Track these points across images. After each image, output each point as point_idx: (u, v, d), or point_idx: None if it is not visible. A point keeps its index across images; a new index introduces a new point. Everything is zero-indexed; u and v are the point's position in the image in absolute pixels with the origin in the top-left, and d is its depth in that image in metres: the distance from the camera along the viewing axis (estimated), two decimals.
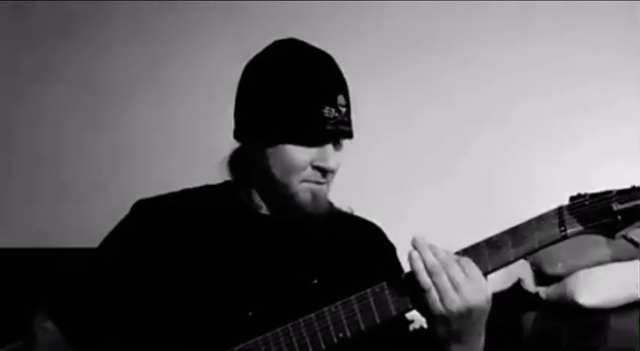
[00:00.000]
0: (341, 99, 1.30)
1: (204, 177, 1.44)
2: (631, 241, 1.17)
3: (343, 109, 1.30)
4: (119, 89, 3.05)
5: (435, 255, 1.17)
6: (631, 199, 1.13)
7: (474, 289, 1.16)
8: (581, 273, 2.39)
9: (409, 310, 1.23)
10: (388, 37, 2.84)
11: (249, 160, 1.35)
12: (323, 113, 1.28)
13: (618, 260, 2.41)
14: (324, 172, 1.31)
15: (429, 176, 2.78)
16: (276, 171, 1.31)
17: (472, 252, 1.19)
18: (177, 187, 1.44)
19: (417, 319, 1.28)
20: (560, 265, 2.43)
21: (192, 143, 2.91)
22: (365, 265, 1.36)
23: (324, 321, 1.22)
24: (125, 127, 3.03)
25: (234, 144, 1.40)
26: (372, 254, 1.41)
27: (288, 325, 1.23)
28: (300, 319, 1.22)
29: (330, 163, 1.30)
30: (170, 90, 3.01)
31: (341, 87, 1.33)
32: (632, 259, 2.39)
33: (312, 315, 1.22)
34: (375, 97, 2.72)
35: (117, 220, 1.40)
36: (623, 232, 1.14)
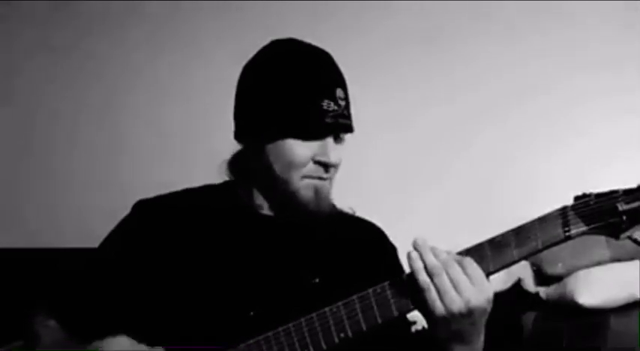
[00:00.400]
0: (340, 92, 1.30)
1: (204, 177, 1.43)
2: (636, 241, 1.16)
3: (342, 103, 1.30)
4: (118, 88, 3.04)
5: (436, 256, 1.17)
6: (637, 199, 1.12)
7: (476, 289, 1.15)
8: (581, 273, 2.39)
9: (410, 310, 1.22)
10: (388, 37, 2.84)
11: (250, 159, 1.35)
12: (322, 106, 1.27)
13: (618, 260, 2.41)
14: (326, 166, 1.30)
15: (429, 176, 2.78)
16: (277, 167, 1.31)
17: (475, 252, 1.19)
18: (176, 187, 1.44)
19: (419, 320, 1.28)
20: (560, 265, 2.43)
21: (191, 143, 2.91)
22: (366, 265, 1.36)
23: (325, 321, 1.21)
24: (125, 126, 3.02)
25: (233, 144, 1.40)
26: (373, 255, 1.40)
27: (290, 324, 1.22)
28: (302, 319, 1.22)
29: (332, 157, 1.30)
30: (170, 90, 3.00)
31: (339, 81, 1.32)
32: (632, 259, 2.39)
33: (314, 314, 1.22)
34: (376, 97, 2.72)
35: (116, 220, 1.40)
36: (628, 233, 1.14)
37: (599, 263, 2.41)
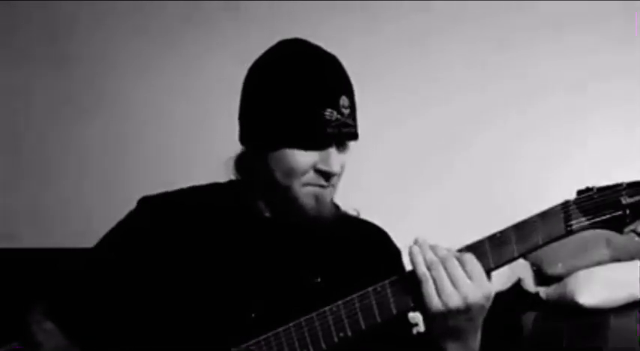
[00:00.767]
0: (344, 100, 1.28)
1: (206, 177, 1.43)
2: None
3: (346, 111, 1.28)
4: (120, 88, 3.04)
5: (436, 253, 1.17)
6: None
7: (474, 285, 1.15)
8: (581, 273, 2.39)
9: (410, 309, 1.22)
10: (390, 37, 2.83)
11: (253, 164, 1.34)
12: (324, 116, 1.26)
13: (618, 260, 2.41)
14: (327, 175, 1.29)
15: (430, 176, 2.77)
16: (278, 174, 1.30)
17: (475, 248, 1.18)
18: (177, 187, 1.43)
19: (421, 322, 1.27)
20: (560, 265, 2.43)
21: (193, 143, 2.91)
22: (368, 266, 1.35)
23: (325, 320, 1.21)
24: (126, 126, 3.03)
25: (236, 144, 1.39)
26: (376, 257, 1.39)
27: (290, 324, 1.22)
28: (302, 319, 1.22)
29: (333, 167, 1.28)
30: (173, 89, 3.00)
31: (344, 88, 1.30)
32: (632, 259, 2.39)
33: (314, 314, 1.21)
34: (377, 97, 2.72)
35: (117, 220, 1.40)
36: (631, 227, 1.12)
37: (599, 263, 2.40)
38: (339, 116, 1.27)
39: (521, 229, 1.17)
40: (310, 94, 1.27)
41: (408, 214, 2.68)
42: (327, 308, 1.21)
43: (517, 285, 2.56)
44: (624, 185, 1.13)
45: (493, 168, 2.72)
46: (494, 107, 2.74)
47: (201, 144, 2.81)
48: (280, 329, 1.22)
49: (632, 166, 2.46)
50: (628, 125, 2.62)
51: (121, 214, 1.40)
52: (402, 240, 1.41)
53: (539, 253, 2.41)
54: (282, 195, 1.31)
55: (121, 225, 1.39)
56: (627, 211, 1.11)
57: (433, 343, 1.21)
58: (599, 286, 2.33)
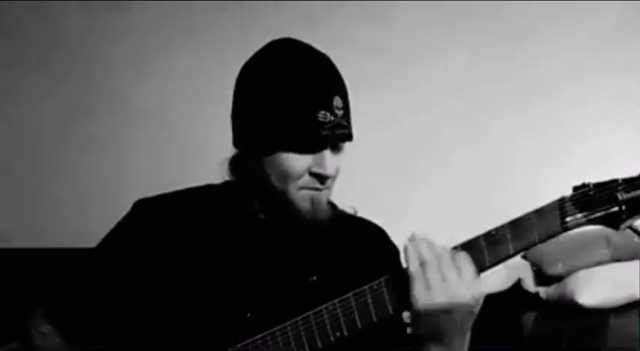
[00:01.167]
0: (337, 101, 1.26)
1: (205, 177, 1.43)
2: (636, 231, 1.14)
3: (340, 112, 1.26)
4: (119, 88, 3.05)
5: (431, 249, 1.16)
6: (637, 188, 1.10)
7: (462, 285, 1.14)
8: (581, 273, 2.39)
9: (405, 307, 1.21)
10: (387, 37, 2.83)
11: (247, 166, 1.33)
12: (317, 118, 1.24)
13: (618, 260, 2.41)
14: (322, 178, 1.28)
15: (428, 175, 2.77)
16: (273, 178, 1.28)
17: (471, 246, 1.17)
18: (177, 188, 1.43)
19: None
20: (560, 265, 2.43)
21: (192, 144, 2.91)
22: (365, 264, 1.34)
23: (321, 319, 1.20)
24: (125, 126, 3.03)
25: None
26: (373, 255, 1.38)
27: (287, 323, 1.21)
28: (298, 318, 1.21)
29: (328, 170, 1.27)
30: (171, 90, 3.00)
31: (337, 88, 1.28)
32: (632, 259, 2.39)
33: (310, 313, 1.21)
34: (373, 96, 2.72)
35: (116, 220, 1.40)
36: (628, 223, 1.11)
37: (599, 263, 2.41)
38: (332, 118, 1.25)
39: (517, 226, 1.16)
40: (303, 96, 1.25)
41: (406, 212, 2.68)
42: (323, 307, 1.20)
43: (517, 285, 2.56)
44: (620, 181, 1.12)
45: (490, 166, 2.72)
46: (492, 106, 2.75)
47: (200, 145, 2.80)
48: (276, 328, 1.22)
49: (628, 163, 2.46)
50: (625, 122, 2.62)
51: (121, 214, 1.40)
52: (399, 239, 1.41)
53: (539, 253, 2.43)
54: (277, 199, 1.30)
55: (118, 227, 1.38)
56: (623, 207, 1.10)
57: (418, 345, 1.20)
58: (599, 286, 2.33)
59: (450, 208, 2.71)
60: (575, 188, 1.14)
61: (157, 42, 3.03)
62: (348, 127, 1.29)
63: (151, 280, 1.31)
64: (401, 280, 1.18)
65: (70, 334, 1.32)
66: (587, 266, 2.40)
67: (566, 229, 1.14)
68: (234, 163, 1.37)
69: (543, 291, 2.47)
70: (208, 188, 1.42)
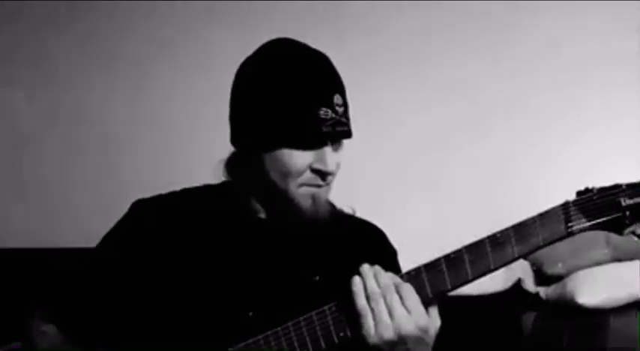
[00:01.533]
0: (337, 99, 1.27)
1: (204, 177, 1.43)
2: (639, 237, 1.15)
3: (340, 109, 1.27)
4: (118, 88, 3.05)
5: (377, 281, 1.18)
6: None
7: (408, 317, 1.15)
8: (581, 273, 2.39)
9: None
10: (386, 40, 2.83)
11: (246, 165, 1.33)
12: (319, 115, 1.25)
13: (618, 260, 2.41)
14: (323, 174, 1.28)
15: (427, 176, 2.77)
16: (274, 176, 1.29)
17: (475, 249, 1.18)
18: (176, 188, 1.43)
19: None
20: (560, 265, 2.43)
21: (191, 143, 2.91)
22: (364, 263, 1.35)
23: (324, 320, 1.21)
24: (125, 126, 3.03)
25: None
26: (374, 255, 1.37)
27: (289, 323, 1.22)
28: (301, 318, 1.21)
29: (329, 166, 1.27)
30: (171, 89, 3.00)
31: (337, 86, 1.29)
32: (632, 259, 2.39)
33: (313, 313, 1.21)
34: (373, 98, 2.73)
35: (116, 220, 1.40)
36: (631, 228, 1.12)
37: (599, 263, 2.41)
38: (333, 115, 1.26)
39: (522, 229, 1.16)
40: (305, 93, 1.26)
41: (405, 214, 2.68)
42: (326, 307, 1.21)
43: (517, 285, 2.56)
44: (624, 186, 1.12)
45: (490, 168, 2.72)
46: (492, 107, 2.74)
47: (199, 144, 2.80)
48: (279, 328, 1.22)
49: (628, 163, 2.47)
50: (625, 122, 2.62)
51: (120, 214, 1.40)
52: (398, 240, 1.42)
53: (539, 253, 2.42)
54: (278, 196, 1.30)
55: (117, 228, 1.39)
56: (627, 213, 1.11)
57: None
58: (599, 286, 2.33)
59: (450, 208, 2.71)
60: (579, 193, 1.15)
61: (157, 42, 3.03)
62: (348, 124, 1.30)
63: (152, 280, 1.31)
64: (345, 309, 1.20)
65: (70, 333, 1.33)
66: (587, 266, 2.40)
67: (570, 233, 1.15)
68: (232, 163, 1.37)
69: (543, 291, 2.47)
70: (206, 188, 1.42)
